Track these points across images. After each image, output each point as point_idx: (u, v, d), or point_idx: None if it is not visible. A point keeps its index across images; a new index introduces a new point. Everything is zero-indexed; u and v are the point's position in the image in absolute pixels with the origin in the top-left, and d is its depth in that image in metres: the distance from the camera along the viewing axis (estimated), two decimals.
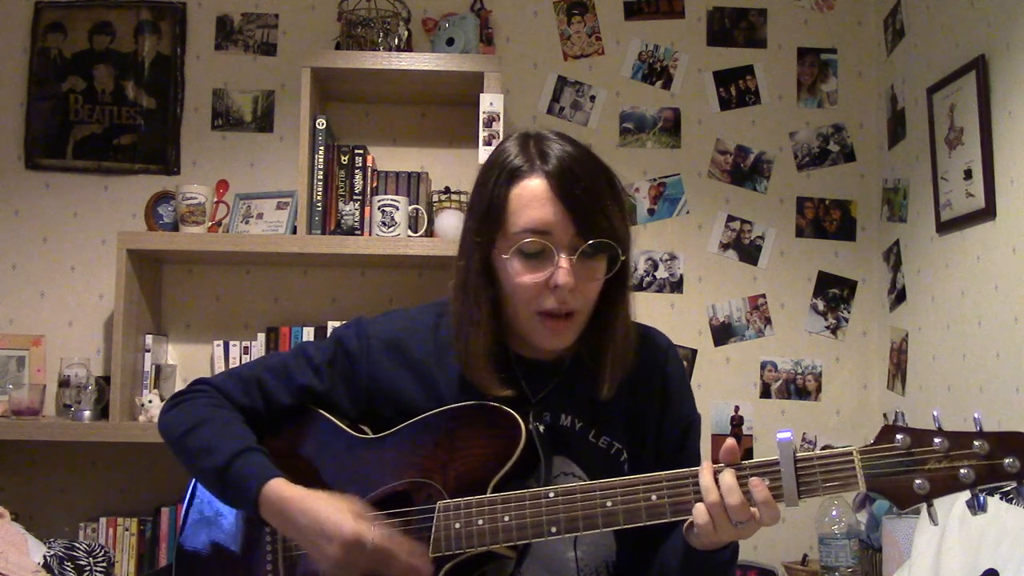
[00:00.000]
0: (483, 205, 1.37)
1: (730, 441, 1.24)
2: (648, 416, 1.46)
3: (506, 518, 1.30)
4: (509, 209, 1.34)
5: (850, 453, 1.18)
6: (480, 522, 1.31)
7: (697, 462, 1.46)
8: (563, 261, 1.31)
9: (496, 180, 1.36)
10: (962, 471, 1.12)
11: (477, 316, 1.38)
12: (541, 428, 1.40)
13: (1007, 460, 1.10)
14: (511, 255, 1.33)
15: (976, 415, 1.15)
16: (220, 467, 1.36)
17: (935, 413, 1.17)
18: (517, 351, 1.45)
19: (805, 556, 2.86)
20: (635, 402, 1.46)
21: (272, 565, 1.43)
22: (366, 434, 1.47)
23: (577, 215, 1.31)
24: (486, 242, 1.37)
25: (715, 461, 1.26)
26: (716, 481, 1.23)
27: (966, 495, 1.15)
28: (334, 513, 1.29)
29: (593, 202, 1.33)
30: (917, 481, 1.14)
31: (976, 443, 1.12)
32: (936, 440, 1.14)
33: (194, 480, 1.51)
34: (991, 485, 1.12)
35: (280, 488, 1.34)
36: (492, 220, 1.35)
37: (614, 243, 1.34)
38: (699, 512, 1.22)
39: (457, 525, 1.32)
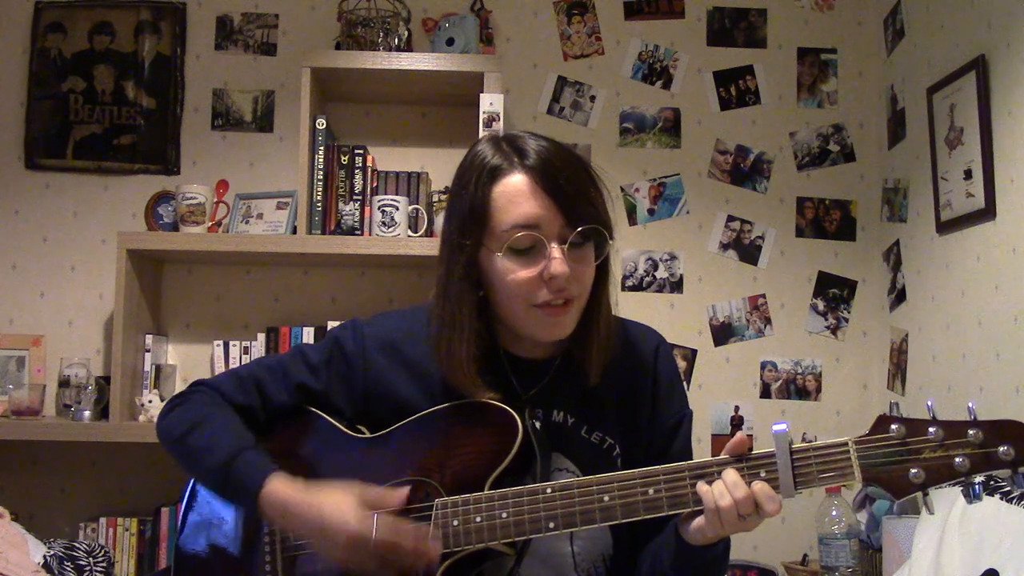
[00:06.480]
0: (464, 208, 1.37)
1: (740, 435, 1.25)
2: (640, 411, 1.46)
3: (504, 515, 1.30)
4: (493, 208, 1.34)
5: (845, 444, 1.19)
6: (478, 519, 1.31)
7: (689, 456, 1.46)
8: (555, 251, 1.32)
9: (476, 181, 1.35)
10: (957, 460, 1.13)
11: (461, 320, 1.37)
12: (537, 424, 1.40)
13: (1002, 448, 1.11)
14: (502, 253, 1.33)
15: (970, 404, 1.15)
16: (221, 464, 1.36)
17: (929, 403, 1.17)
18: (507, 349, 1.45)
19: (805, 556, 2.85)
20: (627, 397, 1.46)
21: (271, 565, 1.43)
22: (363, 434, 1.47)
23: (563, 205, 1.32)
24: (472, 244, 1.36)
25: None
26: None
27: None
28: (337, 512, 1.29)
29: (576, 191, 1.34)
30: (912, 470, 1.14)
31: (971, 431, 1.13)
32: (931, 429, 1.15)
33: (192, 480, 1.51)
34: (987, 473, 1.12)
35: (282, 485, 1.34)
36: (476, 222, 1.35)
37: (602, 228, 1.35)
38: (707, 504, 1.23)
39: (455, 522, 1.32)
